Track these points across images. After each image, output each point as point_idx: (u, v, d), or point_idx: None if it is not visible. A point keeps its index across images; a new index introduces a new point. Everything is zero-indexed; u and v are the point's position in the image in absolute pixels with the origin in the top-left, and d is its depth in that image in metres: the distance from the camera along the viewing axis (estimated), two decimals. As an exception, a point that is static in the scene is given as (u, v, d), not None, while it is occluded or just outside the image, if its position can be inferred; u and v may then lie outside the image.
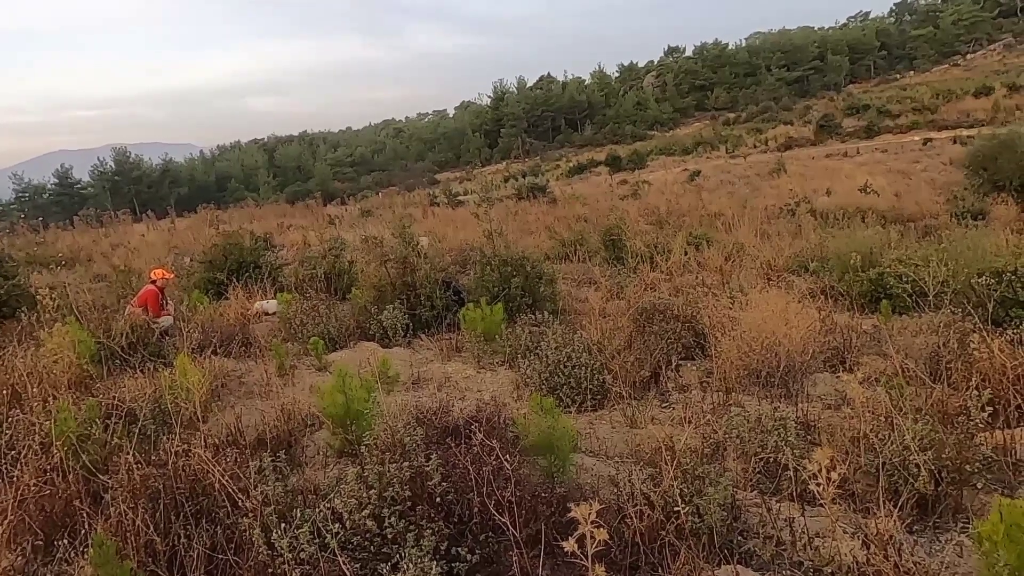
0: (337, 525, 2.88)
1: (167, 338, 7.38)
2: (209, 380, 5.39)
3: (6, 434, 4.01)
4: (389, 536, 2.87)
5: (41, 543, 3.30)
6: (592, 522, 1.87)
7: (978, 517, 3.13)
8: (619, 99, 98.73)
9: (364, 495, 2.99)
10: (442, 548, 2.84)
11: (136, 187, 75.46)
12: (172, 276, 8.90)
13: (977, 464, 3.32)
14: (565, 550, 1.88)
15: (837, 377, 5.34)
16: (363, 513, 2.93)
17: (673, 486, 3.05)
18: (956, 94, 60.93)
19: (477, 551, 2.89)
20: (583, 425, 4.79)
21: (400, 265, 8.34)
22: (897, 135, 48.57)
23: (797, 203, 18.03)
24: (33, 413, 4.11)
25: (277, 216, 29.09)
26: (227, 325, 8.18)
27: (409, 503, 2.99)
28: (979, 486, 3.34)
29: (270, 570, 2.81)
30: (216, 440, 4.33)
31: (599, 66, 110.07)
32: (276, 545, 2.81)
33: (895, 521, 2.77)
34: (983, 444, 3.53)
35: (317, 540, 2.84)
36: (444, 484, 3.10)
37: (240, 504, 3.25)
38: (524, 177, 34.82)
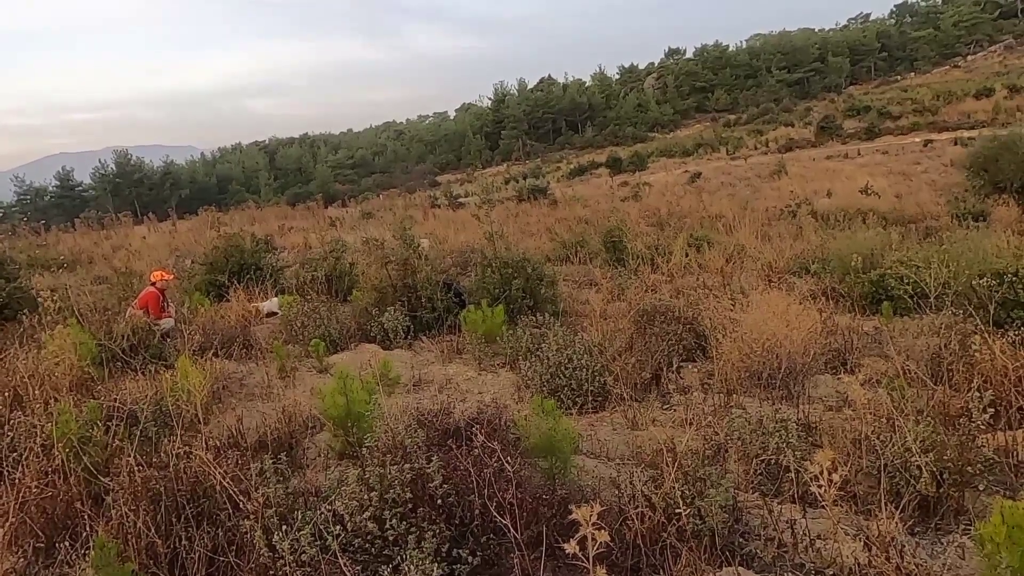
0: (338, 527, 2.88)
1: (168, 340, 7.38)
2: (210, 382, 5.39)
3: (8, 436, 4.02)
4: (390, 538, 2.87)
5: (42, 545, 3.30)
6: (593, 524, 1.87)
7: (980, 519, 3.12)
8: (620, 101, 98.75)
9: (365, 497, 2.99)
10: (443, 550, 2.84)
11: (137, 189, 75.51)
12: (172, 277, 8.90)
13: (979, 466, 3.32)
14: (566, 552, 1.87)
15: (838, 379, 5.34)
16: (364, 515, 2.93)
17: (674, 488, 3.05)
18: (957, 95, 60.91)
19: (478, 553, 2.89)
20: (584, 427, 4.78)
21: (401, 267, 8.34)
22: (898, 136, 48.54)
23: (798, 205, 18.03)
24: (35, 415, 4.11)
25: (278, 218, 29.14)
26: (228, 327, 8.18)
27: (410, 505, 2.98)
28: (981, 488, 3.33)
29: (271, 572, 2.82)
30: (217, 442, 4.34)
31: (600, 68, 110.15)
32: (277, 547, 2.81)
33: (897, 523, 2.77)
34: (985, 446, 3.52)
35: (318, 542, 2.84)
36: (445, 486, 3.10)
37: (241, 506, 3.24)
38: (525, 179, 34.85)
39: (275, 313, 9.24)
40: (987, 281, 5.53)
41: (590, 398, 5.20)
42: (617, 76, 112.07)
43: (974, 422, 3.44)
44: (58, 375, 5.37)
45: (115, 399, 4.86)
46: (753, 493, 3.57)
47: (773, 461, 3.69)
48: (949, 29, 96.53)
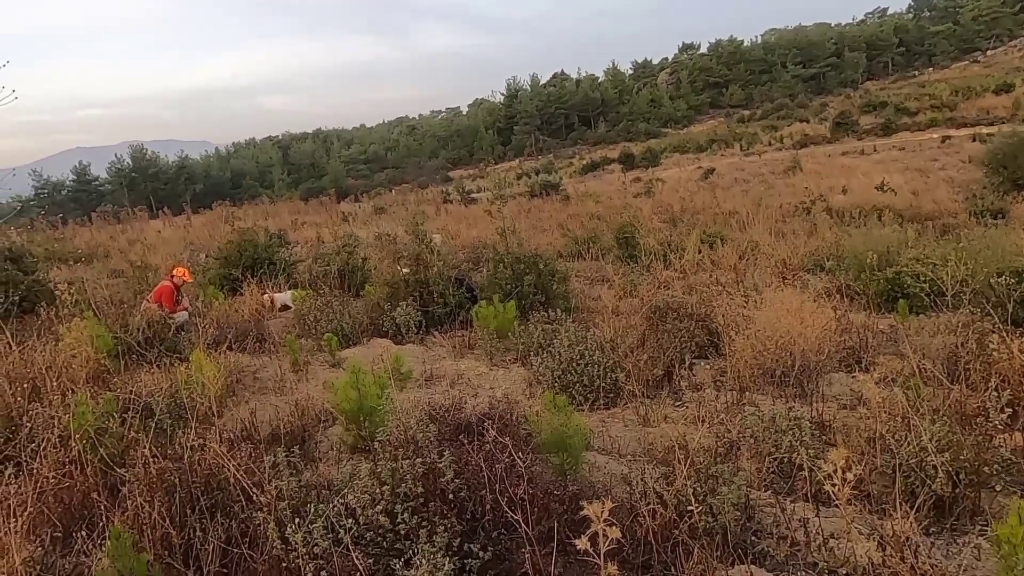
0: (350, 520, 2.90)
1: (183, 333, 7.46)
2: (224, 375, 5.44)
3: (26, 427, 4.07)
4: (402, 532, 2.88)
5: (60, 534, 3.35)
6: (605, 520, 1.87)
7: (996, 520, 3.08)
8: (633, 96, 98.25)
9: (377, 491, 3.01)
10: (455, 544, 2.85)
11: (153, 184, 76.23)
12: (191, 279, 8.98)
13: (996, 466, 3.28)
14: (578, 548, 1.87)
15: (853, 377, 5.29)
16: (376, 509, 2.95)
17: (686, 485, 3.04)
18: (976, 91, 60.03)
19: (489, 548, 2.89)
20: (596, 423, 4.78)
21: (413, 262, 8.36)
22: (915, 133, 47.95)
23: (813, 201, 17.88)
24: (52, 407, 4.17)
25: (291, 213, 29.29)
26: (242, 321, 8.25)
27: (422, 499, 3.00)
28: (998, 488, 3.29)
29: (284, 564, 2.84)
30: (231, 435, 4.37)
31: (613, 63, 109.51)
32: (290, 539, 2.83)
33: (911, 523, 2.75)
34: (1002, 446, 3.48)
35: (331, 535, 2.86)
36: (457, 481, 3.10)
37: (254, 498, 3.27)
38: (537, 175, 34.81)
39: (288, 307, 9.31)
40: (1006, 279, 5.46)
41: (602, 394, 5.19)
42: (630, 71, 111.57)
43: (991, 422, 3.40)
44: (75, 367, 5.43)
45: (131, 391, 4.92)
46: (766, 491, 3.56)
47: (786, 459, 3.67)
48: (968, 23, 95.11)
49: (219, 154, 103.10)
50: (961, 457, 3.25)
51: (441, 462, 3.15)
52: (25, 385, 4.70)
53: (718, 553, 2.93)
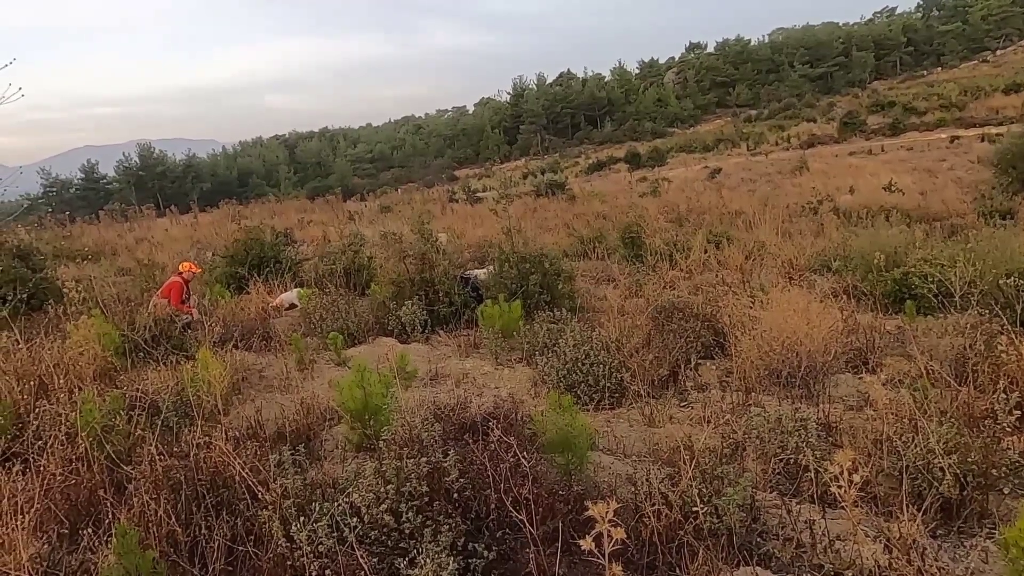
0: (355, 519, 2.90)
1: (189, 332, 7.49)
2: (230, 374, 5.46)
3: (33, 424, 4.10)
4: (406, 531, 2.88)
5: (66, 531, 3.37)
6: (609, 521, 1.86)
7: (1004, 523, 3.07)
8: (639, 96, 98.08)
9: (382, 490, 3.01)
10: (459, 544, 2.85)
11: (160, 182, 76.49)
12: (200, 271, 9.05)
13: (1004, 468, 3.26)
14: (582, 548, 1.87)
15: (860, 378, 5.27)
16: (381, 508, 2.95)
17: (692, 486, 3.03)
18: (985, 91, 59.67)
19: (494, 548, 2.89)
20: (601, 423, 4.77)
21: (419, 261, 8.37)
22: (923, 133, 47.71)
23: (820, 201, 17.80)
24: (59, 404, 4.19)
25: (297, 212, 29.35)
26: (248, 319, 8.27)
27: (426, 498, 3.00)
28: (1006, 491, 3.27)
29: (289, 562, 2.84)
30: (237, 433, 4.39)
31: (619, 62, 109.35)
32: (295, 538, 2.83)
33: (918, 525, 2.73)
34: (1010, 448, 3.46)
35: (335, 534, 2.86)
36: (461, 480, 3.11)
37: (260, 496, 3.28)
38: (543, 174, 34.84)
39: (294, 305, 9.33)
40: (1014, 280, 5.41)
41: (607, 394, 5.18)
42: (637, 71, 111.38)
43: (999, 424, 3.38)
44: (82, 365, 5.46)
45: (137, 389, 4.94)
46: (771, 492, 3.54)
47: (792, 460, 3.66)
48: (978, 23, 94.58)
49: (226, 153, 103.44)
50: (969, 459, 3.23)
51: (446, 461, 3.15)
52: (33, 382, 4.74)
53: (723, 554, 2.92)
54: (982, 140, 35.30)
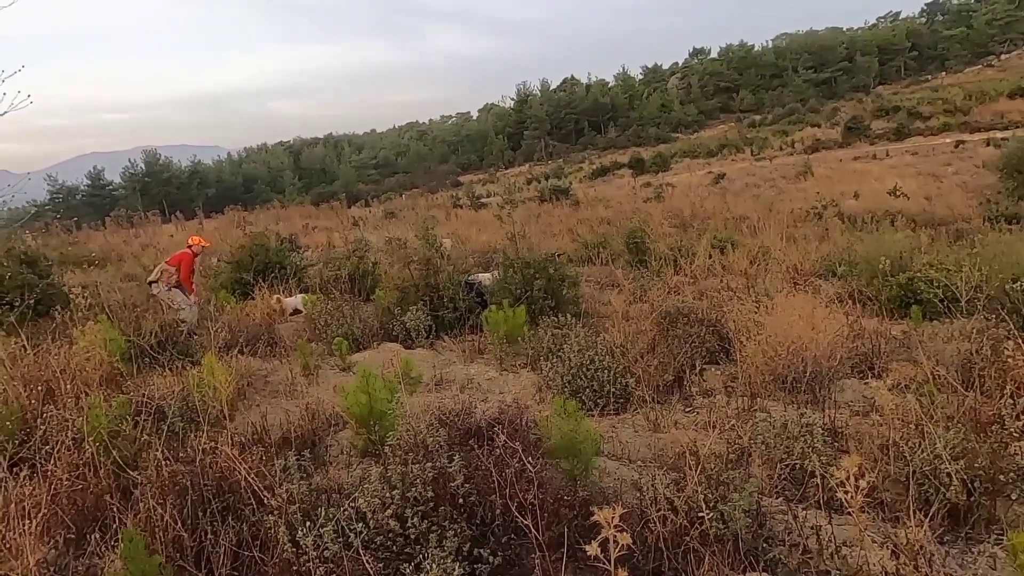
0: (361, 524, 2.90)
1: (194, 337, 7.53)
2: (236, 379, 5.47)
3: (40, 429, 4.11)
4: (412, 536, 2.88)
5: (73, 536, 3.38)
6: (615, 526, 1.86)
7: (1012, 528, 3.05)
8: (643, 101, 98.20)
9: (387, 495, 3.01)
10: (464, 549, 2.85)
11: (165, 188, 76.88)
12: (210, 244, 9.26)
13: (1011, 474, 3.24)
14: (588, 554, 1.87)
15: (865, 383, 5.26)
16: (386, 513, 2.95)
17: (697, 491, 3.02)
18: (990, 95, 59.63)
19: (499, 553, 2.89)
20: (606, 429, 4.76)
21: (423, 266, 8.39)
22: (928, 137, 47.63)
23: (824, 206, 17.80)
24: (66, 409, 4.21)
25: (302, 217, 29.46)
26: (253, 325, 8.29)
27: (432, 504, 3.00)
28: (1013, 497, 3.26)
29: (295, 567, 2.84)
30: (242, 438, 4.39)
31: (623, 68, 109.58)
32: (301, 543, 2.84)
33: (925, 531, 2.72)
34: (1018, 453, 3.44)
35: (341, 539, 2.86)
36: (467, 485, 3.11)
37: (265, 502, 3.28)
38: (547, 179, 34.89)
39: (299, 311, 9.35)
40: (1021, 285, 5.40)
41: (612, 400, 5.17)
42: (640, 76, 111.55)
43: (1007, 429, 3.36)
44: (89, 370, 5.48)
45: (143, 394, 4.96)
46: (777, 498, 3.53)
47: (798, 466, 3.65)
48: (982, 28, 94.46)
49: (231, 159, 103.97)
50: (976, 465, 3.22)
51: (451, 466, 3.16)
52: (40, 387, 4.76)
53: (729, 560, 2.91)
54: (987, 145, 35.22)
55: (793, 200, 22.06)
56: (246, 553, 3.07)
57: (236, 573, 3.06)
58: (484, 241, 16.40)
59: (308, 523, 2.90)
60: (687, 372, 5.60)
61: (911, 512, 2.78)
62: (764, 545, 3.07)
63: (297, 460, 3.49)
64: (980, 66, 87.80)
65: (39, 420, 4.23)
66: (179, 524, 3.17)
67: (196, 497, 3.36)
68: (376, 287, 9.75)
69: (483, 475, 3.18)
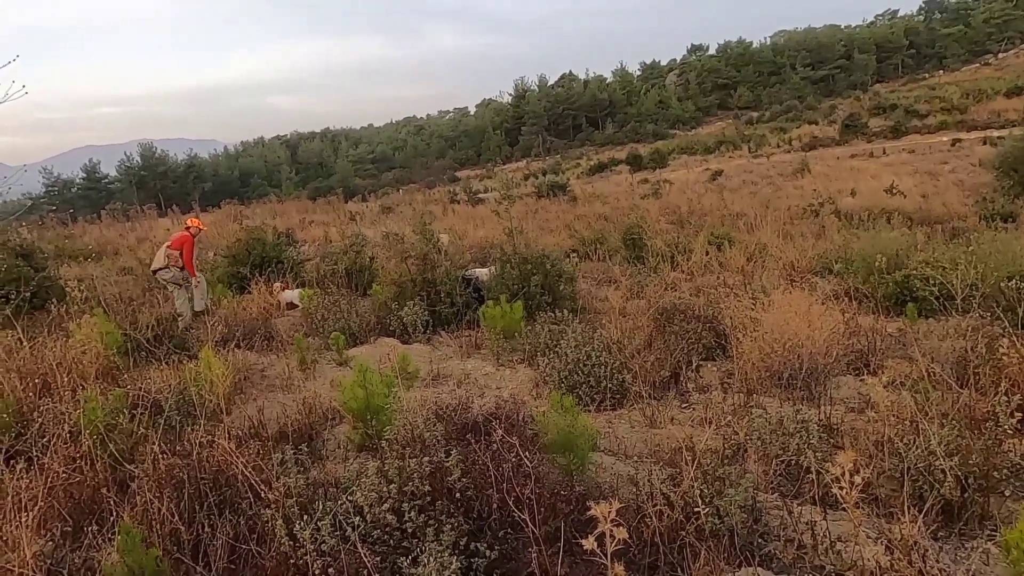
0: (358, 518, 2.91)
1: (191, 332, 7.53)
2: (232, 373, 5.47)
3: (37, 422, 4.11)
4: (409, 530, 2.89)
5: (70, 529, 3.37)
6: (611, 521, 1.87)
7: (1005, 525, 3.08)
8: (641, 98, 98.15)
9: (384, 489, 3.02)
10: (461, 543, 2.86)
11: (161, 182, 76.62)
12: (205, 228, 9.37)
13: (1005, 471, 3.27)
14: (584, 548, 1.88)
15: (861, 380, 5.27)
16: (383, 507, 2.96)
17: (693, 487, 3.04)
18: (987, 94, 59.78)
19: (496, 547, 2.90)
20: (602, 424, 4.78)
21: (420, 262, 8.38)
22: (925, 135, 47.75)
23: (821, 204, 17.84)
24: (62, 402, 4.21)
25: (299, 212, 29.35)
26: (250, 319, 8.28)
27: (429, 498, 3.01)
28: (1007, 493, 3.28)
29: (292, 561, 2.85)
30: (239, 432, 4.40)
31: (621, 64, 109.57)
32: (298, 536, 2.84)
33: (919, 527, 2.73)
34: (1011, 451, 3.46)
35: (338, 532, 2.87)
36: (464, 480, 3.11)
37: (262, 495, 3.29)
38: (544, 175, 34.85)
39: (295, 305, 9.35)
40: (1016, 283, 5.42)
41: (608, 395, 5.19)
42: (639, 73, 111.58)
43: (1001, 426, 3.38)
44: (85, 363, 5.48)
45: (140, 388, 4.96)
46: (773, 494, 3.55)
47: (793, 462, 3.66)
48: (980, 26, 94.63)
49: (228, 153, 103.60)
50: (970, 462, 3.24)
51: (448, 461, 3.16)
52: (36, 381, 4.75)
53: (725, 555, 2.92)
54: (984, 143, 35.34)
55: (790, 197, 22.12)
56: (243, 546, 3.08)
57: (233, 566, 3.06)
58: (481, 237, 16.39)
59: (305, 517, 2.91)
60: (683, 368, 5.61)
61: (905, 508, 2.80)
62: (759, 540, 3.09)
63: (294, 454, 3.49)
64: (977, 64, 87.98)
65: (35, 413, 4.24)
66: (176, 517, 3.18)
67: (193, 490, 3.36)
68: (373, 282, 9.74)
69: (480, 470, 3.19)
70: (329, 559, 2.79)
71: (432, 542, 2.77)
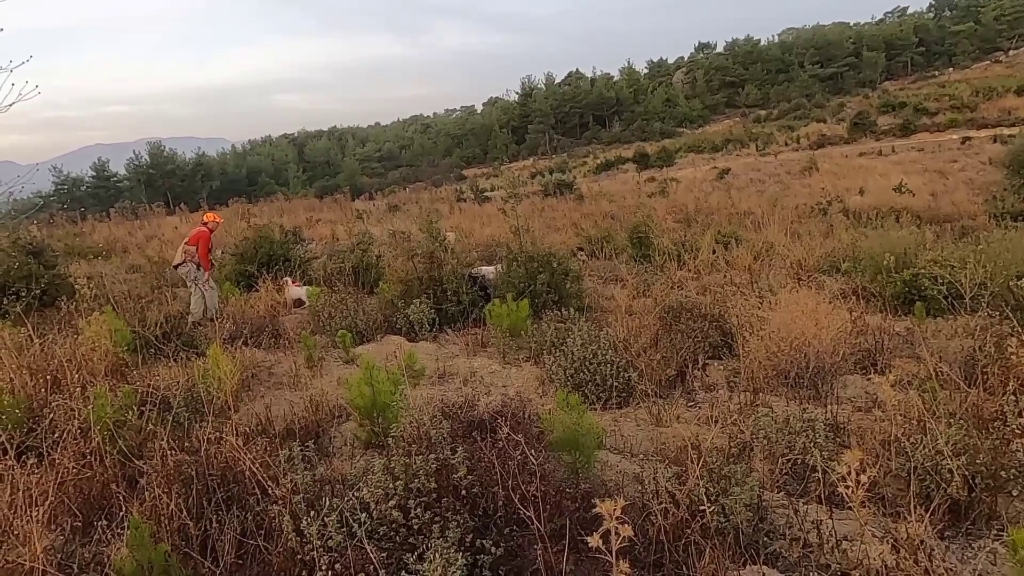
0: (364, 515, 2.93)
1: (200, 328, 7.59)
2: (240, 370, 5.50)
3: (47, 418, 4.15)
4: (415, 527, 2.91)
5: (80, 524, 3.41)
6: (617, 518, 1.87)
7: (1013, 524, 3.07)
8: (648, 96, 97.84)
9: (391, 486, 3.03)
10: (467, 540, 2.86)
11: (170, 180, 76.96)
12: (222, 221, 9.51)
13: (1013, 471, 3.25)
14: (590, 545, 1.88)
15: (868, 379, 5.25)
16: (389, 504, 2.97)
17: (699, 485, 3.04)
18: (997, 91, 59.27)
19: (501, 544, 2.91)
20: (608, 422, 4.78)
21: (427, 260, 8.40)
22: (934, 133, 47.43)
23: (829, 202, 17.76)
24: (72, 399, 4.24)
25: (306, 210, 29.44)
26: (257, 317, 8.33)
27: (435, 495, 3.02)
28: (1014, 493, 3.26)
29: (298, 556, 2.87)
30: (247, 429, 4.42)
31: (628, 62, 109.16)
32: (305, 532, 2.86)
33: (926, 526, 2.73)
34: (1019, 450, 3.44)
35: (344, 529, 2.89)
36: (469, 477, 3.12)
37: (270, 492, 3.31)
38: (551, 174, 34.81)
39: (303, 302, 9.39)
40: (1025, 282, 5.39)
41: (614, 394, 5.19)
42: (646, 71, 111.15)
43: (1009, 426, 3.37)
44: (94, 360, 5.51)
45: (149, 385, 4.99)
46: (779, 492, 3.54)
47: (799, 461, 3.66)
48: (990, 23, 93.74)
49: (235, 151, 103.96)
50: (977, 461, 3.22)
51: (454, 458, 3.17)
52: (46, 377, 4.79)
53: (730, 553, 2.92)
54: (994, 141, 35.08)
55: (798, 196, 22.02)
56: (250, 542, 3.10)
57: (240, 561, 3.08)
58: (488, 235, 16.40)
59: (312, 513, 2.92)
60: (690, 367, 5.61)
61: (912, 507, 2.79)
62: (765, 539, 3.09)
63: (301, 451, 3.51)
64: (988, 62, 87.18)
65: (46, 409, 4.28)
66: (184, 513, 3.20)
67: (201, 486, 3.38)
68: (380, 280, 9.77)
69: (486, 467, 3.20)
70: (335, 555, 2.81)
71: (438, 539, 2.79)
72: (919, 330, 6.18)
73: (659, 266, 10.38)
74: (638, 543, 2.95)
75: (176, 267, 9.06)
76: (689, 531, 2.98)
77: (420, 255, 8.49)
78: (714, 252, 10.67)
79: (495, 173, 64.77)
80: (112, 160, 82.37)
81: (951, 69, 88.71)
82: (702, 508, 2.96)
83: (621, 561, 1.90)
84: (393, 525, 2.94)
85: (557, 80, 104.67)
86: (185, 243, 8.90)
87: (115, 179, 79.99)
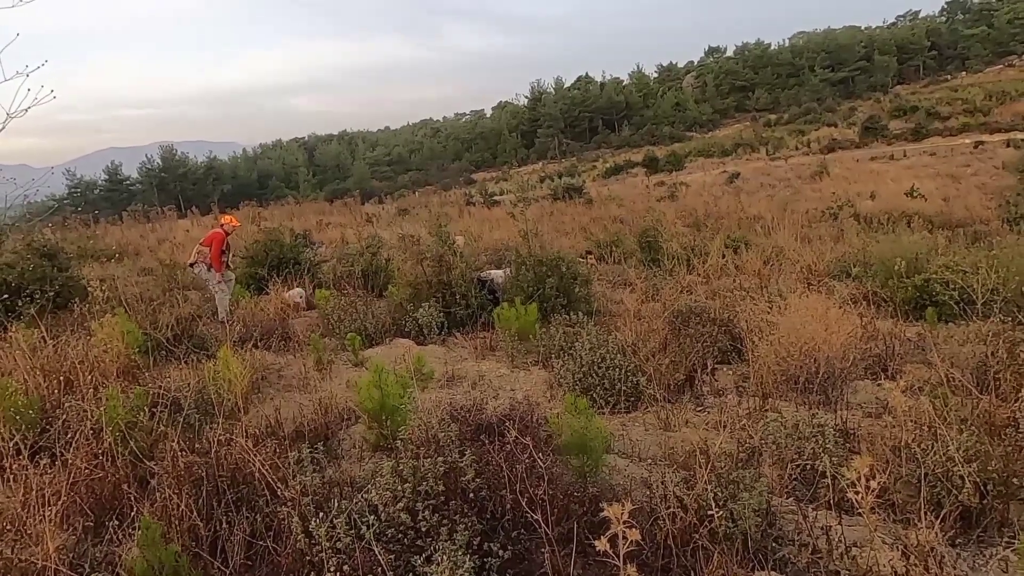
0: (372, 517, 2.94)
1: (219, 327, 7.71)
2: (250, 373, 5.53)
3: (60, 419, 4.19)
4: (423, 529, 2.91)
5: (91, 524, 3.44)
6: (624, 522, 1.88)
7: (1025, 532, 3.03)
8: (658, 100, 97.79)
9: (399, 488, 3.04)
10: (475, 543, 2.87)
11: (182, 184, 77.66)
12: (239, 224, 9.57)
13: (1025, 478, 3.22)
14: (597, 549, 1.88)
15: (879, 385, 5.22)
16: (398, 506, 2.98)
17: (707, 490, 3.03)
18: (1011, 95, 58.82)
19: (509, 547, 2.91)
20: (616, 426, 4.78)
21: (436, 263, 8.42)
22: (946, 138, 47.08)
23: (840, 207, 17.65)
24: (85, 400, 4.28)
25: (316, 214, 29.61)
26: (267, 319, 8.38)
27: (443, 498, 3.02)
28: (1027, 500, 3.24)
29: (307, 558, 2.88)
30: (256, 431, 4.45)
31: (638, 66, 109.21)
32: (314, 534, 2.87)
33: (937, 533, 2.71)
34: (1032, 457, 3.42)
35: (353, 531, 2.90)
36: (477, 480, 3.13)
37: (279, 493, 3.33)
38: (560, 178, 34.83)
39: (299, 304, 9.50)
40: (1038, 288, 5.34)
41: (623, 398, 5.18)
42: (655, 75, 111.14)
43: (1021, 432, 3.34)
44: (106, 362, 5.56)
45: (160, 386, 5.03)
46: (787, 498, 3.53)
47: (809, 466, 3.64)
48: (1004, 27, 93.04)
49: (246, 155, 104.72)
50: (989, 468, 3.20)
51: (462, 461, 3.18)
52: (59, 378, 4.84)
53: (738, 558, 2.91)
54: (1007, 145, 34.80)
55: (808, 200, 21.91)
56: (260, 543, 3.12)
57: (250, 562, 3.11)
58: (497, 239, 16.42)
59: (321, 515, 2.94)
60: (699, 371, 5.59)
61: (922, 514, 2.77)
62: (773, 544, 3.08)
63: (310, 453, 3.53)
64: (1001, 66, 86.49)
65: (59, 410, 4.32)
66: (194, 514, 3.23)
67: (211, 488, 3.41)
68: (389, 283, 9.81)
69: (494, 470, 3.21)
70: (344, 557, 2.82)
71: (446, 541, 2.79)
72: (930, 335, 6.13)
73: (668, 270, 10.36)
74: (646, 547, 2.94)
75: (191, 265, 9.19)
76: (697, 536, 2.97)
77: (429, 259, 8.51)
78: (723, 256, 10.64)
79: (504, 177, 64.89)
80: (125, 163, 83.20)
81: (964, 73, 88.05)
82: (710, 513, 2.95)
83: (629, 565, 1.90)
84: (401, 527, 2.95)
85: (566, 84, 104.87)
86: (200, 243, 9.01)
87: (128, 182, 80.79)
